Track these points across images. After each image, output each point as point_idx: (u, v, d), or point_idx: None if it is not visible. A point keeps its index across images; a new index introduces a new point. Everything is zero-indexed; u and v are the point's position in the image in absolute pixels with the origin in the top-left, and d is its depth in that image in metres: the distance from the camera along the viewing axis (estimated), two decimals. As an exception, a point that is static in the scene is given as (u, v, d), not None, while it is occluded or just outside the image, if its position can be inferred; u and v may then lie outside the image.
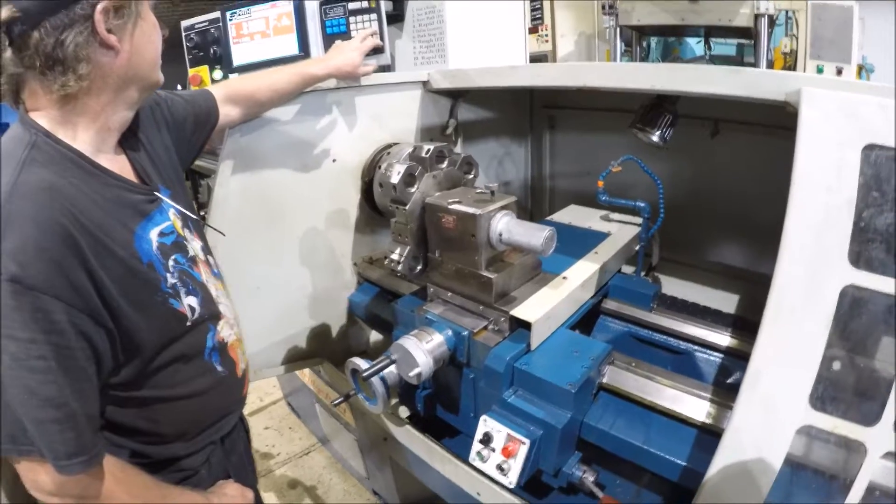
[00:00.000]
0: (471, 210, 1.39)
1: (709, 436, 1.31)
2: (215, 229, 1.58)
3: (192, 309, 1.19)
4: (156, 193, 1.19)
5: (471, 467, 1.50)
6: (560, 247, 1.46)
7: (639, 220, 1.96)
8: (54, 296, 0.91)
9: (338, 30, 1.83)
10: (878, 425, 0.90)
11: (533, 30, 4.43)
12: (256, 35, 1.85)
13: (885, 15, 5.50)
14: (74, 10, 0.95)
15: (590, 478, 1.40)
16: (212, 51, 1.88)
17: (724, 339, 1.62)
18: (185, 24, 2.15)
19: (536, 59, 4.19)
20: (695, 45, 5.15)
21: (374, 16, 1.83)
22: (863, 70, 5.18)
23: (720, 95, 1.32)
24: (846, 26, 3.76)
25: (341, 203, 2.01)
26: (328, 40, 1.84)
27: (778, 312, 0.96)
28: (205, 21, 2.15)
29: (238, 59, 1.86)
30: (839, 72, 3.78)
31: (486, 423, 1.37)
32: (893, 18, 5.40)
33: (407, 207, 1.50)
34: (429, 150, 1.56)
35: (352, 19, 1.83)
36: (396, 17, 2.30)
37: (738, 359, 1.59)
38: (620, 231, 2.00)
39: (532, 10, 4.40)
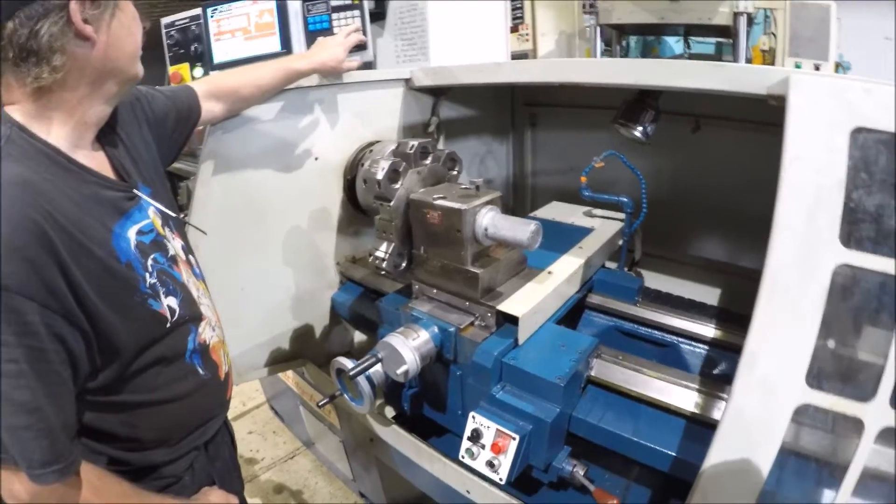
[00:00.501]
0: (456, 205, 1.38)
1: (698, 426, 1.31)
2: (196, 227, 1.55)
3: (172, 310, 1.16)
4: (134, 191, 1.16)
5: (460, 465, 1.49)
6: (544, 242, 1.45)
7: (621, 215, 1.97)
8: (27, 296, 0.88)
9: (320, 27, 1.81)
10: (874, 401, 0.91)
11: (514, 29, 4.46)
12: (238, 32, 1.82)
13: (861, 15, 5.61)
14: None
15: (580, 471, 1.40)
16: (192, 48, 1.85)
17: (708, 330, 1.63)
18: (165, 20, 2.12)
19: (517, 57, 4.21)
20: (674, 43, 5.21)
21: (356, 13, 1.81)
22: (840, 67, 5.28)
23: (703, 90, 1.32)
24: (824, 25, 3.86)
25: (324, 202, 1.99)
26: (311, 37, 1.82)
27: (772, 293, 0.96)
28: (186, 18, 2.11)
29: (219, 56, 1.83)
30: (817, 68, 3.88)
31: (474, 420, 1.36)
32: (870, 18, 5.52)
33: (391, 204, 1.49)
34: (413, 146, 1.55)
35: (335, 16, 1.81)
36: (379, 15, 2.29)
37: (723, 350, 1.60)
38: (603, 226, 2.01)
39: (513, 10, 4.43)
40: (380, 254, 1.54)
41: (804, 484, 1.00)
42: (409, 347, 1.36)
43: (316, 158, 1.88)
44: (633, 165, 1.87)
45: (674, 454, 1.28)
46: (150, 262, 1.13)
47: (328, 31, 1.83)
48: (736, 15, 3.72)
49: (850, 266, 0.91)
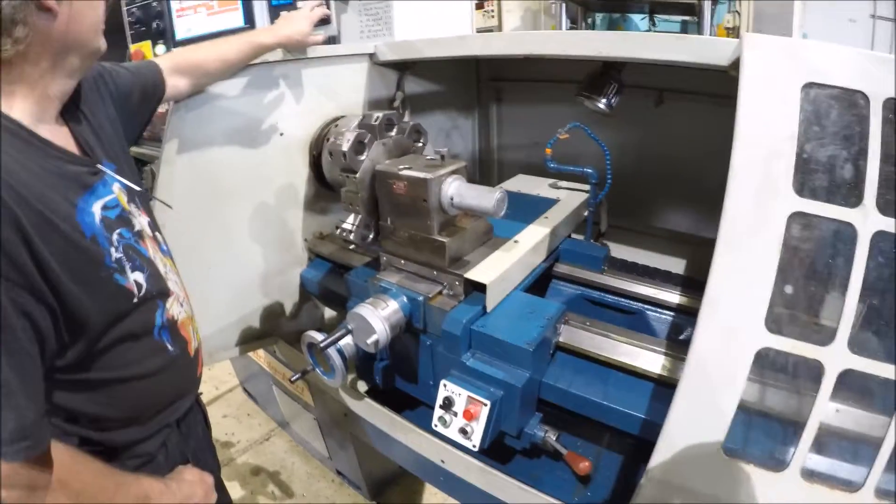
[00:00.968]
0: (422, 175, 1.39)
1: (665, 388, 1.34)
2: (162, 202, 1.53)
3: (139, 285, 1.14)
4: (98, 166, 1.14)
5: (433, 435, 1.51)
6: (510, 213, 1.47)
7: (587, 187, 1.99)
8: None
9: (284, 1, 1.78)
10: (832, 345, 0.95)
11: (479, 5, 4.46)
12: (201, 7, 1.78)
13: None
14: None
15: (553, 436, 1.42)
16: (154, 25, 1.80)
17: (674, 297, 1.66)
18: (125, -3, 2.06)
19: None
20: (639, 21, 5.26)
21: None
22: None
23: (666, 61, 1.34)
24: (787, 3, 3.89)
25: (290, 178, 1.97)
26: (274, 12, 1.79)
27: (730, 241, 1.00)
28: (147, -6, 2.05)
29: (181, 32, 1.80)
30: None
31: (446, 388, 1.37)
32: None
33: (357, 175, 1.49)
34: (378, 117, 1.54)
35: None
36: (343, -10, 2.26)
37: (688, 316, 1.63)
38: (569, 197, 2.04)
39: (478, -14, 4.42)
40: (347, 226, 1.54)
41: (769, 430, 1.04)
42: (378, 317, 1.37)
43: (281, 134, 1.86)
44: (597, 138, 1.89)
45: (643, 416, 1.31)
46: (115, 236, 1.11)
47: (291, 6, 1.80)
48: (701, -7, 3.77)
49: (803, 213, 0.95)
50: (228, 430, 3.37)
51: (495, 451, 1.50)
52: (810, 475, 0.97)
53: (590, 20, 4.84)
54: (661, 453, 1.08)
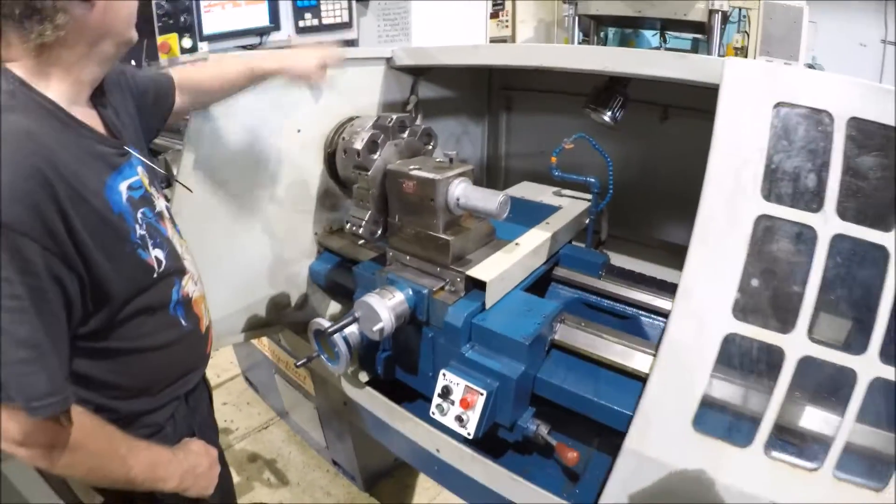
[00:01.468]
0: (430, 175, 1.46)
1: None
2: (183, 185, 1.60)
3: (159, 261, 1.23)
4: (125, 148, 1.23)
5: (430, 425, 1.58)
6: (513, 217, 1.54)
7: (589, 196, 2.06)
8: (31, 237, 0.94)
9: (308, 3, 1.85)
10: (793, 332, 1.04)
11: (494, 15, 4.52)
12: (228, 4, 1.85)
13: (837, 19, 5.81)
14: None
15: (544, 430, 1.49)
16: (182, 18, 1.87)
17: (667, 304, 1.70)
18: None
19: (496, 42, 4.28)
20: (651, 37, 5.31)
21: None
22: (812, 69, 5.42)
23: (666, 78, 1.41)
24: (796, 25, 3.94)
25: (304, 174, 2.05)
26: (298, 13, 1.86)
27: (704, 238, 1.12)
28: (176, -12, 2.12)
29: (208, 27, 1.86)
30: None
31: (445, 377, 1.44)
32: (846, 24, 5.71)
33: (369, 173, 1.57)
34: (392, 119, 1.62)
35: None
36: (364, -5, 2.35)
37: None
38: (571, 205, 2.11)
39: (494, -4, 4.50)
40: (357, 221, 1.62)
41: (736, 410, 1.13)
42: (384, 306, 1.44)
43: (299, 130, 1.94)
44: (602, 149, 1.96)
45: (631, 414, 1.36)
46: (139, 214, 1.20)
47: (315, 8, 1.87)
48: (711, 12, 3.79)
49: (769, 216, 1.06)
50: (228, 417, 3.43)
51: (489, 446, 1.57)
52: (773, 452, 1.06)
53: (602, 34, 4.88)
54: (637, 428, 1.18)
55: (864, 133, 1.00)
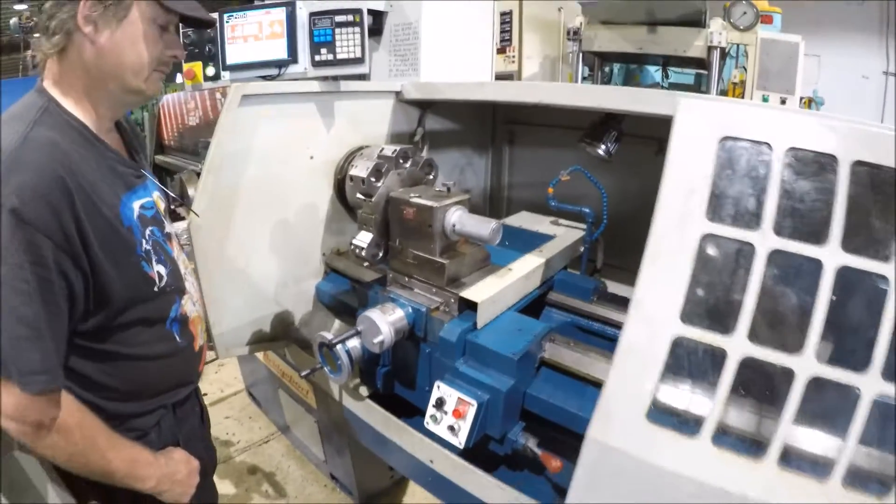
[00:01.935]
0: (429, 203, 1.59)
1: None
2: (193, 211, 1.70)
3: (161, 276, 1.33)
4: (143, 171, 1.37)
5: (424, 436, 1.67)
6: (509, 244, 1.66)
7: (584, 226, 2.17)
8: (46, 235, 1.06)
9: (324, 39, 1.97)
10: (734, 335, 1.16)
11: (501, 50, 4.63)
12: (250, 38, 1.98)
13: (840, 53, 5.92)
14: None
15: (533, 443, 1.57)
16: (207, 48, 2.00)
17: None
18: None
19: (502, 77, 4.38)
20: (654, 72, 5.40)
21: (357, 29, 1.97)
22: (812, 103, 5.50)
23: (654, 115, 1.53)
24: (792, 60, 4.03)
25: (315, 198, 2.16)
26: (315, 48, 1.97)
27: (656, 254, 1.26)
28: (204, 20, 2.25)
29: (231, 58, 1.98)
30: (783, 101, 4.00)
31: (439, 389, 1.55)
32: (849, 57, 5.82)
33: (373, 199, 1.69)
34: (395, 150, 1.76)
35: (337, 31, 1.96)
36: (376, 31, 2.48)
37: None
38: (566, 234, 2.22)
39: (501, 32, 4.62)
40: (360, 244, 1.74)
41: (686, 404, 1.22)
42: (385, 321, 1.56)
43: (311, 157, 2.06)
44: (597, 181, 2.07)
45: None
46: (147, 231, 1.32)
47: (331, 44, 1.99)
48: (710, 49, 3.94)
49: (713, 234, 1.20)
50: (229, 430, 3.52)
51: (480, 461, 1.64)
52: (720, 443, 1.15)
53: (607, 69, 5.00)
54: (598, 419, 1.28)
55: (801, 161, 1.15)
